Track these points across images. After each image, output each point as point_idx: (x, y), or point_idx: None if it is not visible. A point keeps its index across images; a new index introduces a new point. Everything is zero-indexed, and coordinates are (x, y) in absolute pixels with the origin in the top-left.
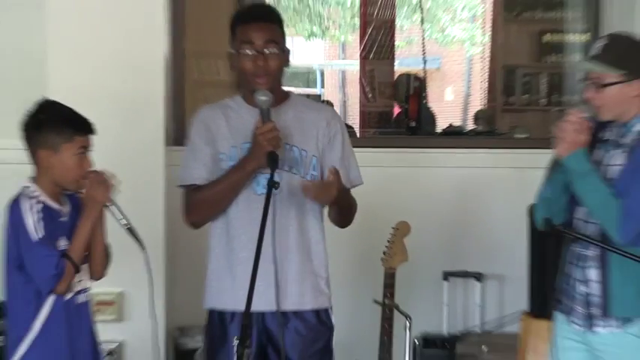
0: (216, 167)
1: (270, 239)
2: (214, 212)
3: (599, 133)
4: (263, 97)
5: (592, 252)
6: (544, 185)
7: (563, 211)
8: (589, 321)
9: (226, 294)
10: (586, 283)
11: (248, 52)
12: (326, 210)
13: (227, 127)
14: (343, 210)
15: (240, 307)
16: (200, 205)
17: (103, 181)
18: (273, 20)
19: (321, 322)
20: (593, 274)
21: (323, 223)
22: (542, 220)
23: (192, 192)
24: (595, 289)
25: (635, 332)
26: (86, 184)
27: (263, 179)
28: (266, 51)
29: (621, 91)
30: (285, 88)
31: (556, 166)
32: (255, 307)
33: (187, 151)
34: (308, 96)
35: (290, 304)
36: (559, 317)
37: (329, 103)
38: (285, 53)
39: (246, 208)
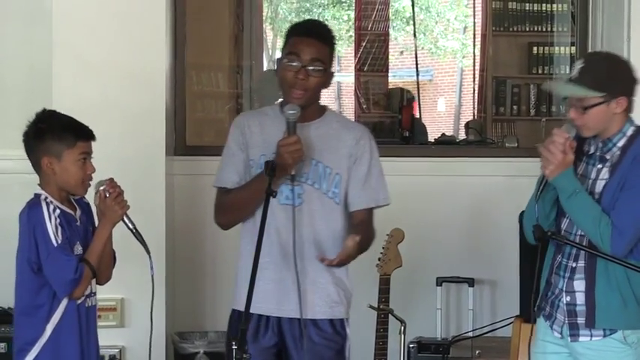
0: (247, 173)
1: (292, 249)
2: (237, 216)
3: (581, 146)
4: (290, 111)
5: (578, 264)
6: (533, 204)
7: (551, 225)
8: (570, 330)
9: (246, 296)
10: (571, 293)
11: (292, 63)
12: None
13: (260, 135)
14: (362, 247)
15: (257, 309)
16: (225, 208)
17: (120, 194)
18: (325, 41)
19: (336, 331)
20: (578, 285)
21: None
22: (532, 228)
23: (221, 194)
24: (580, 299)
25: (618, 338)
26: (102, 194)
27: (286, 190)
28: (310, 67)
29: (603, 110)
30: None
31: (545, 186)
32: (272, 312)
33: (223, 154)
34: None
35: (304, 313)
36: (541, 322)
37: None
38: (328, 74)
39: (269, 216)
